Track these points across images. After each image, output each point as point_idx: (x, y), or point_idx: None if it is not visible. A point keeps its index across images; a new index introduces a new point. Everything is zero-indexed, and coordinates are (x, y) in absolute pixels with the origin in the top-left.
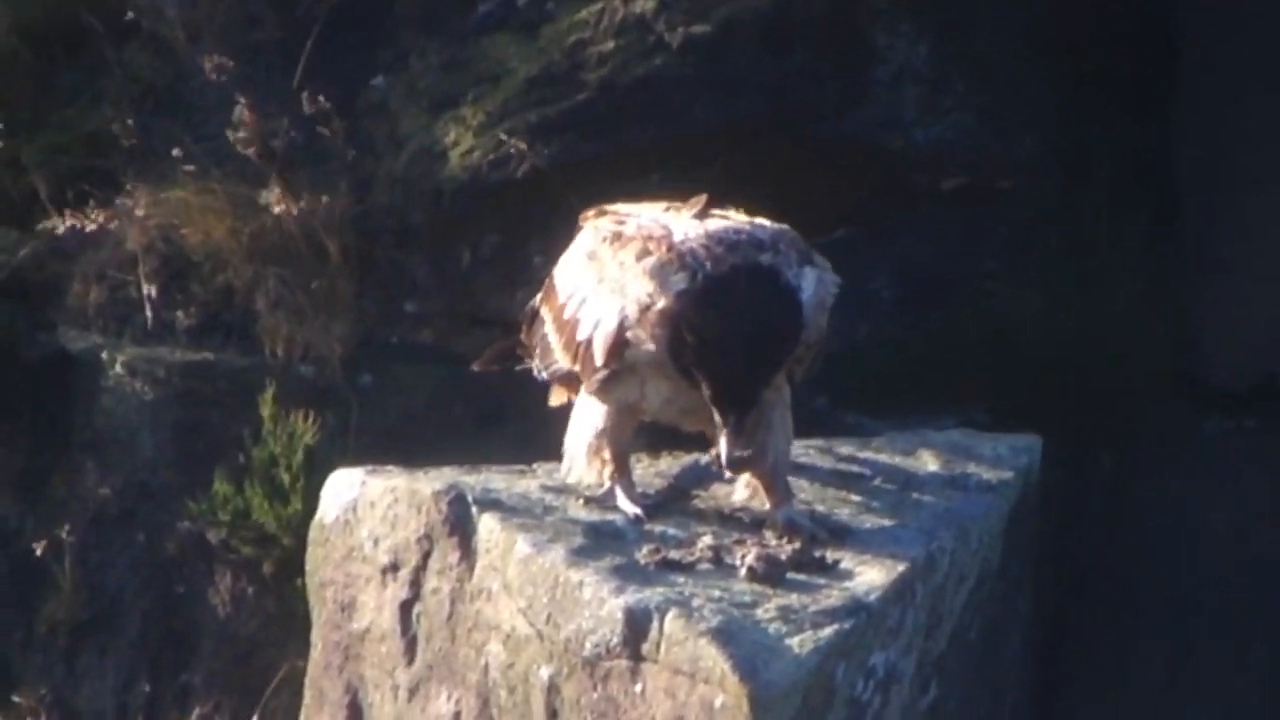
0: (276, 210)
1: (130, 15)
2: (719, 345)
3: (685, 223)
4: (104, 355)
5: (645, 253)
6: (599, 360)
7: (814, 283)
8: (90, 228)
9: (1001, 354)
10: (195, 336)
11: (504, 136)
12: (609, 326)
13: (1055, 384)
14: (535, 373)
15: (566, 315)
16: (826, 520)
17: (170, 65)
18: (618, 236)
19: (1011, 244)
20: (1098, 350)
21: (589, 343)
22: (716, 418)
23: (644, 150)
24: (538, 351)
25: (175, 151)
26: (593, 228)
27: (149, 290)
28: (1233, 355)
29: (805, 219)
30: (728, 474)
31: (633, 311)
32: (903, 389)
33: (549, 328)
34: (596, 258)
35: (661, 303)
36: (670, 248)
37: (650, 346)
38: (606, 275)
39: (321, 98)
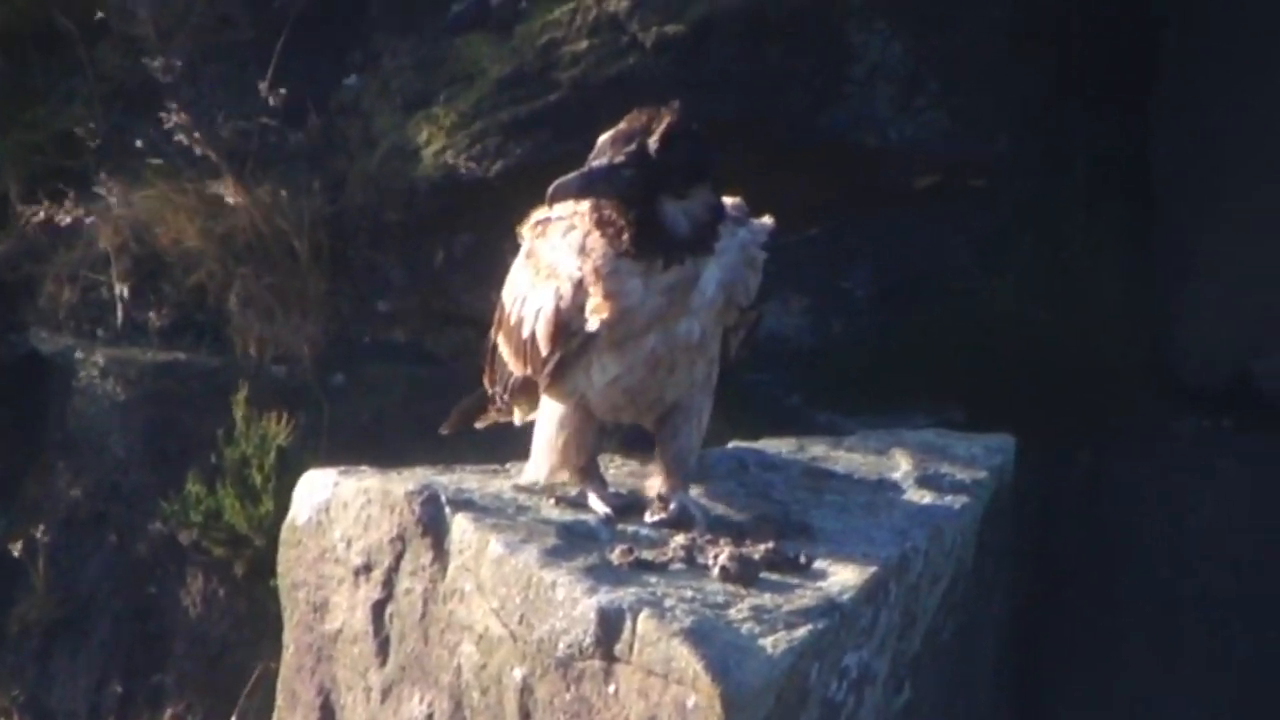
0: (233, 203)
1: (100, 15)
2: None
3: None
4: (76, 356)
5: (570, 228)
6: (545, 349)
7: (742, 238)
8: (64, 220)
9: (977, 352)
10: (167, 337)
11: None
12: (548, 310)
13: (1031, 382)
14: (500, 410)
15: (512, 321)
16: (788, 519)
17: (142, 65)
18: (544, 221)
19: (986, 242)
20: (1074, 349)
21: (533, 336)
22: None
23: None
24: (497, 380)
25: (144, 150)
26: (524, 230)
27: (121, 291)
28: (1209, 354)
29: (779, 217)
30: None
31: (567, 290)
32: (877, 387)
33: (501, 344)
34: (532, 254)
35: (589, 265)
36: (598, 219)
37: (589, 320)
38: (541, 266)
39: (306, 99)
